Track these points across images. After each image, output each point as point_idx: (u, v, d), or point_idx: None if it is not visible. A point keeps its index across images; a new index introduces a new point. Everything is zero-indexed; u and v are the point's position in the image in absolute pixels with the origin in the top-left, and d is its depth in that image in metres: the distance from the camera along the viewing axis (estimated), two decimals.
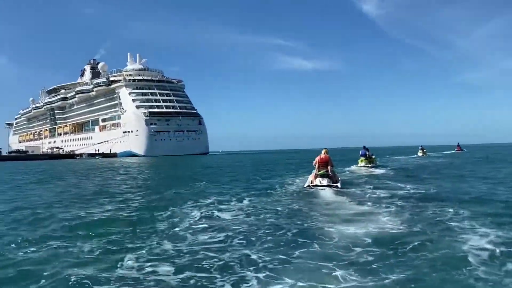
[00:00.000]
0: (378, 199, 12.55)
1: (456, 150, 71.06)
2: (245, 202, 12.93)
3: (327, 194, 13.93)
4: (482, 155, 53.97)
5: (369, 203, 11.69)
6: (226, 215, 10.35)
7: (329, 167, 15.38)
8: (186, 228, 8.77)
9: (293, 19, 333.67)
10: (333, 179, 15.28)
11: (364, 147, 29.96)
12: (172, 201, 13.46)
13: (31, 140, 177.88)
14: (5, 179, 28.90)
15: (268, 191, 15.92)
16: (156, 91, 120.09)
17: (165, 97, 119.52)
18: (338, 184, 15.06)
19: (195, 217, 10.07)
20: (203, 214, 10.63)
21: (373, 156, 30.09)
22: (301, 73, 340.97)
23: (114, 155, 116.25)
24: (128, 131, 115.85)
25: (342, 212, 10.36)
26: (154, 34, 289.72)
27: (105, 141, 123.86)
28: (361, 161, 29.17)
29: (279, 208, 11.38)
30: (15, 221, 10.36)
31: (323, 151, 15.56)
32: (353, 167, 28.56)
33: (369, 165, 28.48)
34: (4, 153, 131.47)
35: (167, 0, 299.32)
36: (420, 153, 54.62)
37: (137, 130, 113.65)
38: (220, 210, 11.25)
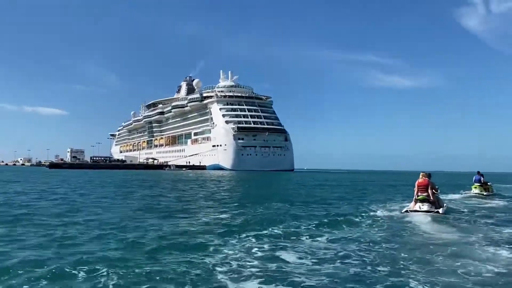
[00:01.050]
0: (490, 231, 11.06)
1: None
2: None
3: (426, 221, 12.86)
4: None
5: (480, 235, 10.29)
6: (292, 257, 7.99)
7: (429, 191, 14.42)
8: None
9: (388, 35, 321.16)
10: (435, 204, 14.35)
11: (479, 172, 26.82)
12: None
13: (130, 150, 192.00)
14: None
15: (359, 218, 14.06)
16: (245, 107, 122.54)
17: (253, 113, 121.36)
18: (440, 210, 14.08)
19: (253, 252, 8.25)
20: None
21: (489, 184, 26.70)
22: (399, 90, 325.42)
23: (203, 167, 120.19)
24: (217, 145, 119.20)
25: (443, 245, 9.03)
26: (248, 51, 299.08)
27: (195, 154, 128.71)
28: (475, 187, 25.74)
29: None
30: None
31: (421, 175, 14.91)
32: (464, 194, 25.55)
33: (484, 193, 25.03)
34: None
35: (260, 19, 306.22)
36: None
37: (225, 144, 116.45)
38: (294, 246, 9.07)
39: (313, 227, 11.71)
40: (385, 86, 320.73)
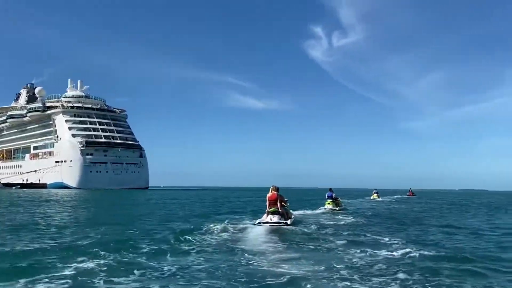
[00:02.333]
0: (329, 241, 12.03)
1: (408, 195, 74.56)
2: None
3: (257, 231, 14.02)
4: (440, 202, 53.47)
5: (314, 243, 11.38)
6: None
7: (278, 204, 15.60)
8: None
9: (244, 60, 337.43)
10: (284, 216, 15.58)
11: (330, 189, 28.75)
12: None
13: None
14: None
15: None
16: (95, 119, 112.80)
17: (105, 127, 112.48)
18: (288, 221, 15.27)
19: None
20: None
21: (339, 199, 28.92)
22: (253, 111, 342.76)
23: (44, 186, 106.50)
24: (61, 161, 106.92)
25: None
26: (107, 62, 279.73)
27: (34, 171, 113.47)
28: (328, 203, 27.64)
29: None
30: None
31: (271, 189, 15.89)
32: (319, 210, 27.37)
33: (336, 208, 27.22)
34: None
35: (121, 31, 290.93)
36: (374, 196, 54.16)
37: (71, 160, 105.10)
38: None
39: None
40: (241, 107, 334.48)
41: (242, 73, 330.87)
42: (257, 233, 13.69)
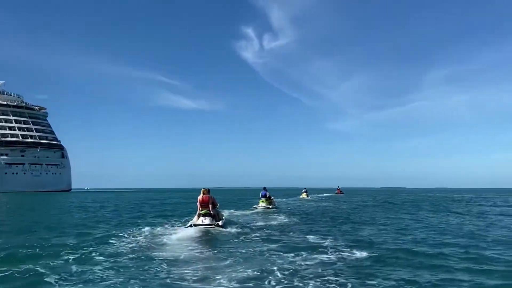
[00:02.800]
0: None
1: (337, 193, 78.16)
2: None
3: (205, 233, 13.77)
4: (365, 199, 55.37)
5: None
6: None
7: (210, 206, 15.55)
8: None
9: (175, 59, 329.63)
10: (216, 217, 15.51)
11: (265, 188, 29.71)
12: None
13: None
14: None
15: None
16: (11, 117, 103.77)
17: (22, 125, 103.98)
18: (219, 223, 15.19)
19: None
20: None
21: (272, 198, 29.93)
22: (185, 111, 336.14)
23: None
24: None
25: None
26: (19, 56, 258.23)
27: None
28: (262, 201, 28.73)
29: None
30: None
31: (202, 191, 15.78)
32: (254, 209, 27.99)
33: (270, 206, 28.31)
34: None
35: (43, 24, 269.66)
36: (304, 195, 55.18)
37: None
38: None
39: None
40: (173, 106, 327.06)
41: (173, 72, 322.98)
42: (185, 237, 12.92)
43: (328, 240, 11.97)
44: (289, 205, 35.83)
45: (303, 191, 57.71)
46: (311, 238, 12.59)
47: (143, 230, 14.31)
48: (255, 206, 28.81)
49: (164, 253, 9.75)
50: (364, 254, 9.64)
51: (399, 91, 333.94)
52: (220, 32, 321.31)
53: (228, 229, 14.76)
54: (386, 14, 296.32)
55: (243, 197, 57.06)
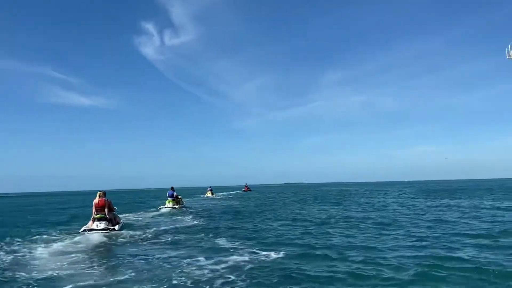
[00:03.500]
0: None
1: (244, 190, 78.44)
2: None
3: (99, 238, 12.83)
4: (272, 195, 56.15)
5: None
6: None
7: (106, 210, 14.93)
8: None
9: (68, 53, 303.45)
10: (112, 221, 14.95)
11: (172, 188, 29.33)
12: None
13: None
14: None
15: None
16: None
17: None
18: (116, 227, 14.60)
19: None
20: None
21: (179, 197, 29.36)
22: (79, 108, 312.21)
23: None
24: None
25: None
26: None
27: None
28: (169, 202, 28.19)
29: None
30: None
31: (98, 194, 15.27)
32: (160, 209, 27.14)
33: (177, 206, 27.86)
34: None
35: None
36: (209, 194, 54.73)
37: None
38: None
39: None
40: (65, 103, 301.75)
41: (65, 67, 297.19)
42: (72, 246, 11.44)
43: (238, 242, 11.35)
44: (196, 204, 34.86)
45: (208, 189, 57.18)
46: (220, 240, 11.86)
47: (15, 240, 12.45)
48: (162, 207, 28.23)
49: (36, 271, 7.98)
50: (280, 254, 9.23)
51: (301, 92, 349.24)
52: (119, 25, 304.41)
53: (128, 234, 13.62)
54: (285, 16, 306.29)
55: (148, 198, 54.60)
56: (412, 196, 38.17)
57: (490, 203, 25.11)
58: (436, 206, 23.32)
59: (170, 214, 23.32)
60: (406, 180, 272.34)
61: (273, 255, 9.15)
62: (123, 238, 12.96)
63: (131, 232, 14.22)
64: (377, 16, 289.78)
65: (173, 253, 9.78)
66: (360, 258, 8.59)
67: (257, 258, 8.81)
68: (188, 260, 8.82)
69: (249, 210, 25.43)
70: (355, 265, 7.95)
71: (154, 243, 11.68)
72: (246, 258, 8.82)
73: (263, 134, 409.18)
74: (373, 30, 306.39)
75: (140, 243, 11.88)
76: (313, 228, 14.51)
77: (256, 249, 9.91)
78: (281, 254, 9.15)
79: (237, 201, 40.78)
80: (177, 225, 16.75)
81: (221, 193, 66.34)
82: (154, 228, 15.62)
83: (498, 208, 20.78)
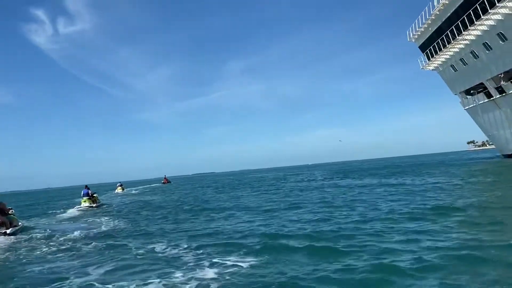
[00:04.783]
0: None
1: (163, 183, 76.60)
2: None
3: None
4: (189, 186, 54.02)
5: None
6: None
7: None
8: None
9: None
10: (7, 225, 13.79)
11: (86, 186, 27.91)
12: None
13: None
14: None
15: None
16: None
17: None
18: (8, 231, 13.40)
19: None
20: None
21: (95, 195, 27.74)
22: None
23: None
24: None
25: None
26: None
27: None
28: (84, 201, 26.53)
29: None
30: None
31: None
32: (76, 209, 25.38)
33: (93, 205, 26.30)
34: None
35: None
36: (119, 190, 52.64)
37: None
38: None
39: None
40: None
41: None
42: None
43: (172, 243, 9.58)
44: (111, 202, 32.10)
45: (118, 185, 55.11)
46: (155, 246, 9.67)
47: None
48: (77, 207, 26.33)
49: None
50: (252, 261, 7.61)
51: (204, 81, 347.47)
52: (4, 12, 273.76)
53: (26, 240, 12.05)
54: (188, 5, 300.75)
55: (52, 199, 49.26)
56: (327, 177, 38.78)
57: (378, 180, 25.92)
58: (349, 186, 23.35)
59: (85, 215, 20.74)
60: (310, 164, 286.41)
61: (245, 261, 7.49)
62: (23, 246, 10.98)
63: (39, 240, 11.98)
64: (278, 6, 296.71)
65: (87, 269, 7.65)
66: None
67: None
68: (108, 277, 6.82)
69: (173, 205, 23.36)
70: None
71: (63, 253, 9.43)
72: (201, 274, 6.97)
73: (168, 125, 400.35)
74: (274, 20, 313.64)
75: (45, 251, 9.81)
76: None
77: (195, 249, 8.22)
78: (254, 262, 7.52)
79: (157, 195, 38.13)
80: (93, 228, 14.22)
81: (135, 188, 63.10)
82: (64, 233, 13.00)
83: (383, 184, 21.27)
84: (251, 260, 7.37)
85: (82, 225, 15.76)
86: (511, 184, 17.81)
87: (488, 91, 36.69)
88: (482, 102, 38.84)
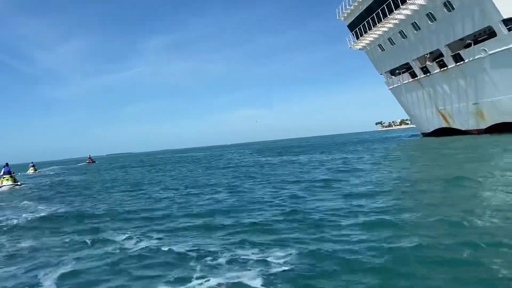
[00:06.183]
0: None
1: (88, 162, 78.12)
2: None
3: None
4: (113, 166, 50.69)
5: None
6: None
7: None
8: None
9: None
10: None
11: (7, 164, 26.46)
12: None
13: None
14: None
15: None
16: None
17: None
18: None
19: None
20: None
21: (14, 174, 26.21)
22: None
23: None
24: None
25: None
26: None
27: None
28: (6, 179, 24.93)
29: None
30: None
31: None
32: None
33: (19, 183, 25.21)
34: None
35: None
36: (31, 171, 50.33)
37: None
38: None
39: None
40: None
41: None
42: None
43: (108, 231, 8.13)
44: (32, 182, 29.40)
45: (30, 166, 52.15)
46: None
47: None
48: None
49: None
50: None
51: (121, 57, 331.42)
52: None
53: None
54: None
55: None
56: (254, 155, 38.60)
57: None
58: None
59: (7, 197, 18.25)
60: (229, 144, 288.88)
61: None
62: None
63: None
64: None
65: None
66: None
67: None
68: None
69: (100, 185, 21.27)
70: None
71: None
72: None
73: (79, 104, 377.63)
74: None
75: None
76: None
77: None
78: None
79: (83, 175, 35.03)
80: (19, 217, 11.65)
81: (49, 169, 59.11)
82: None
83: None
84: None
85: (7, 212, 13.20)
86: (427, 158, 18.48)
87: (413, 71, 38.33)
88: (406, 81, 40.58)
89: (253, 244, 5.98)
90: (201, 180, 17.88)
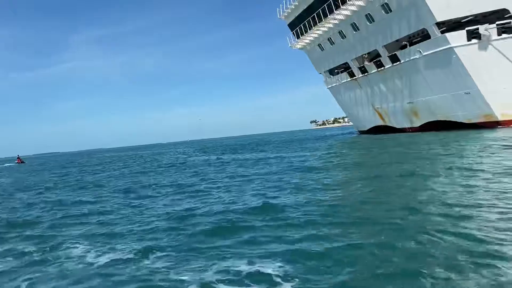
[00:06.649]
0: None
1: (17, 162, 77.21)
2: None
3: None
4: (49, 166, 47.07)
5: None
6: None
7: None
8: None
9: None
10: None
11: None
12: None
13: None
14: None
15: None
16: None
17: None
18: None
19: None
20: None
21: None
22: None
23: None
24: None
25: None
26: None
27: None
28: None
29: None
30: None
31: None
32: None
33: None
34: None
35: None
36: None
37: None
38: None
39: None
40: None
41: None
42: None
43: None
44: None
45: None
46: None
47: None
48: None
49: None
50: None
51: (51, 50, 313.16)
52: None
53: None
54: None
55: None
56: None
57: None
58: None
59: None
60: (164, 142, 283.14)
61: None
62: None
63: None
64: None
65: None
66: None
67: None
68: None
69: (39, 186, 19.36)
70: None
71: None
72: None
73: (2, 99, 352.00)
74: None
75: None
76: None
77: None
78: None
79: (13, 177, 31.91)
80: None
81: None
82: None
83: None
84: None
85: None
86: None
87: (351, 71, 39.37)
88: (345, 81, 41.63)
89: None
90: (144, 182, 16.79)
